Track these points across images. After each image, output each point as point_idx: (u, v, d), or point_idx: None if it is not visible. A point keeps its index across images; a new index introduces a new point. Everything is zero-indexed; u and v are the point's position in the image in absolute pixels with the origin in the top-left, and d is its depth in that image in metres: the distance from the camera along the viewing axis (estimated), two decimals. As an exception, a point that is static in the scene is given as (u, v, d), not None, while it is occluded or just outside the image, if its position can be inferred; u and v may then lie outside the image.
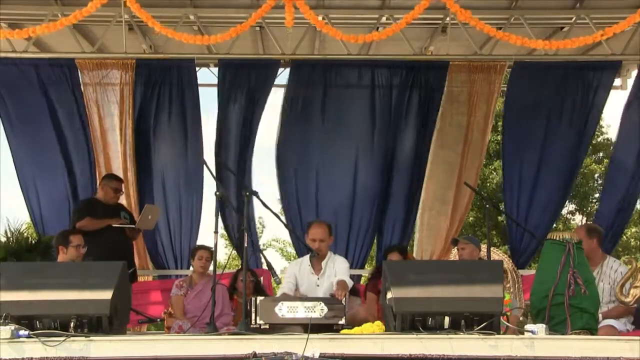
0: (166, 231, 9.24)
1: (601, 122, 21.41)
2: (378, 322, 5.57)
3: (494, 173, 19.05)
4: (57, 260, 6.81)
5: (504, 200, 9.70)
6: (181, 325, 6.66)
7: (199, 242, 9.29)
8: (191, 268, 9.14)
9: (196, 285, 7.08)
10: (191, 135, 9.31)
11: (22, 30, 7.45)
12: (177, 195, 9.31)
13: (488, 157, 19.56)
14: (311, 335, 4.70)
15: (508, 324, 5.09)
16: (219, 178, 8.85)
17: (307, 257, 6.64)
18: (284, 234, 21.24)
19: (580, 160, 9.84)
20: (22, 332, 4.75)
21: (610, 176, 9.94)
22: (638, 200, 10.07)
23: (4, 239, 8.36)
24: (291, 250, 20.67)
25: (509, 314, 5.45)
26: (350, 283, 6.29)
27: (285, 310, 5.28)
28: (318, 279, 6.48)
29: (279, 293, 6.55)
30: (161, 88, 9.28)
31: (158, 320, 7.39)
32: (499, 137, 13.85)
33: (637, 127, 9.35)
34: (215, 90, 9.43)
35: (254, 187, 9.02)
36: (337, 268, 6.44)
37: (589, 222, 7.17)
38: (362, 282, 9.94)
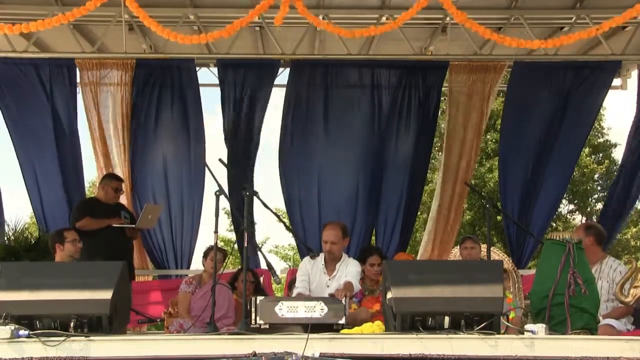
0: (166, 231, 9.24)
1: (602, 124, 21.45)
2: (378, 322, 5.57)
3: (492, 172, 19.07)
4: (55, 260, 6.79)
5: (501, 200, 9.72)
6: (182, 323, 6.66)
7: (200, 242, 9.32)
8: (191, 268, 9.20)
9: (205, 285, 7.06)
10: (192, 135, 9.31)
11: (15, 25, 7.42)
12: (178, 195, 9.30)
13: (486, 156, 19.58)
14: (311, 335, 4.70)
15: (508, 323, 5.09)
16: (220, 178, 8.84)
17: (322, 256, 6.59)
18: (282, 240, 21.28)
19: (577, 158, 9.84)
20: (22, 332, 4.75)
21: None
22: (638, 200, 10.10)
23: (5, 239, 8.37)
24: (288, 252, 20.69)
25: (513, 313, 5.44)
26: (357, 287, 6.27)
27: (285, 310, 5.28)
28: (329, 279, 6.45)
29: (294, 293, 6.53)
30: (161, 88, 9.28)
31: (158, 320, 7.38)
32: (497, 136, 13.90)
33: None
34: (214, 89, 9.45)
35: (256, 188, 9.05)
36: (349, 271, 6.42)
37: (588, 221, 7.28)
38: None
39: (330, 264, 6.50)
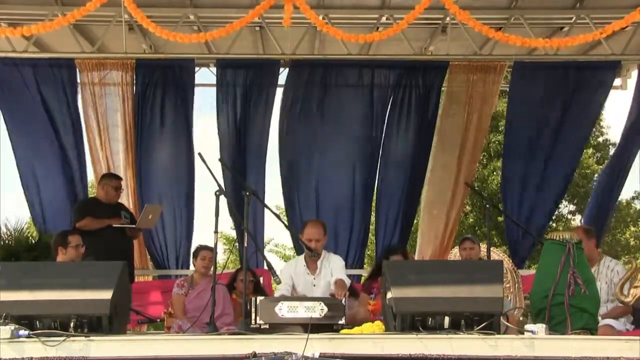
0: (167, 231, 9.24)
1: (601, 123, 21.43)
2: (378, 322, 5.57)
3: (494, 173, 19.08)
4: (55, 260, 6.80)
5: (503, 200, 9.73)
6: (181, 325, 6.66)
7: (200, 242, 9.30)
8: (191, 268, 9.18)
9: (197, 285, 7.07)
10: (192, 135, 9.32)
11: (17, 28, 7.43)
12: (178, 195, 9.30)
13: (489, 157, 19.58)
14: (311, 335, 4.69)
15: (508, 323, 5.09)
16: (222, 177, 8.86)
17: (301, 257, 6.59)
18: (283, 238, 21.17)
19: (579, 159, 9.86)
20: (22, 332, 4.75)
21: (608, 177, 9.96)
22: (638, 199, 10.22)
23: (5, 238, 8.37)
24: (289, 252, 20.63)
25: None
26: (348, 281, 6.28)
27: (285, 310, 5.28)
28: (314, 278, 6.45)
29: (276, 295, 6.52)
30: (162, 88, 9.28)
31: (158, 320, 7.38)
32: (500, 138, 13.88)
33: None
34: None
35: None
36: (333, 267, 6.42)
37: (583, 225, 7.38)
38: (362, 282, 9.93)
39: (312, 263, 6.49)
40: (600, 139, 21.51)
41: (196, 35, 7.56)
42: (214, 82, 9.57)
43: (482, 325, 4.83)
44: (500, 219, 16.23)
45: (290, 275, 6.49)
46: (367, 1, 8.94)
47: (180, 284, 7.18)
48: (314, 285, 6.42)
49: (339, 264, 6.48)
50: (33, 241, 8.36)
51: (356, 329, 5.40)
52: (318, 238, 6.48)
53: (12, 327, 4.74)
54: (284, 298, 5.71)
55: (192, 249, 9.18)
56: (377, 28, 9.02)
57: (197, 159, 8.66)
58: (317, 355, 4.60)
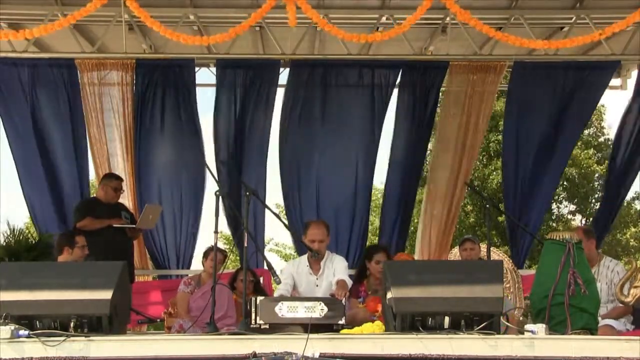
0: (167, 231, 9.24)
1: (602, 123, 21.44)
2: (378, 322, 5.57)
3: (494, 173, 19.09)
4: (58, 260, 6.81)
5: (504, 199, 9.74)
6: (182, 324, 6.67)
7: (201, 242, 9.33)
8: (192, 268, 9.21)
9: (204, 285, 7.07)
10: (191, 135, 9.32)
11: (19, 32, 7.43)
12: (178, 195, 9.30)
13: (489, 157, 19.59)
14: (311, 335, 4.69)
15: (508, 323, 5.09)
16: (222, 177, 8.89)
17: (304, 257, 6.59)
18: (283, 237, 21.19)
19: (570, 153, 10.26)
20: (22, 332, 4.75)
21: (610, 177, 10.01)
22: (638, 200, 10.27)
23: (3, 239, 8.36)
24: (289, 252, 20.64)
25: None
26: (349, 282, 6.28)
27: (285, 310, 5.27)
28: (317, 279, 6.45)
29: (276, 294, 6.52)
30: (161, 88, 9.28)
31: (158, 320, 7.39)
32: (500, 137, 13.90)
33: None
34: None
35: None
36: (336, 267, 6.42)
37: (583, 225, 7.42)
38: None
39: (315, 264, 6.49)
40: (601, 139, 21.52)
41: (199, 38, 7.58)
42: (214, 82, 9.58)
43: (482, 325, 4.82)
44: (500, 219, 16.24)
45: (292, 274, 6.49)
46: (367, 1, 8.94)
47: (187, 282, 7.19)
48: (317, 286, 6.42)
49: (341, 265, 6.47)
50: (33, 241, 8.35)
51: (356, 329, 5.39)
52: (322, 239, 6.48)
53: (12, 327, 4.74)
54: (283, 298, 5.70)
55: (197, 250, 9.26)
56: (377, 28, 9.02)
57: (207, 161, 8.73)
58: (317, 355, 4.60)
